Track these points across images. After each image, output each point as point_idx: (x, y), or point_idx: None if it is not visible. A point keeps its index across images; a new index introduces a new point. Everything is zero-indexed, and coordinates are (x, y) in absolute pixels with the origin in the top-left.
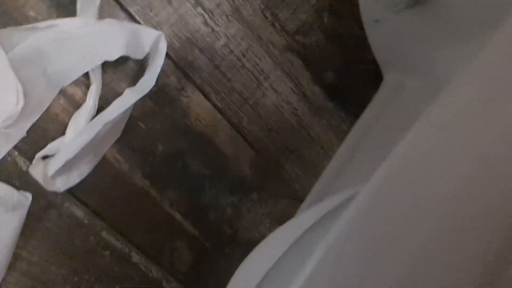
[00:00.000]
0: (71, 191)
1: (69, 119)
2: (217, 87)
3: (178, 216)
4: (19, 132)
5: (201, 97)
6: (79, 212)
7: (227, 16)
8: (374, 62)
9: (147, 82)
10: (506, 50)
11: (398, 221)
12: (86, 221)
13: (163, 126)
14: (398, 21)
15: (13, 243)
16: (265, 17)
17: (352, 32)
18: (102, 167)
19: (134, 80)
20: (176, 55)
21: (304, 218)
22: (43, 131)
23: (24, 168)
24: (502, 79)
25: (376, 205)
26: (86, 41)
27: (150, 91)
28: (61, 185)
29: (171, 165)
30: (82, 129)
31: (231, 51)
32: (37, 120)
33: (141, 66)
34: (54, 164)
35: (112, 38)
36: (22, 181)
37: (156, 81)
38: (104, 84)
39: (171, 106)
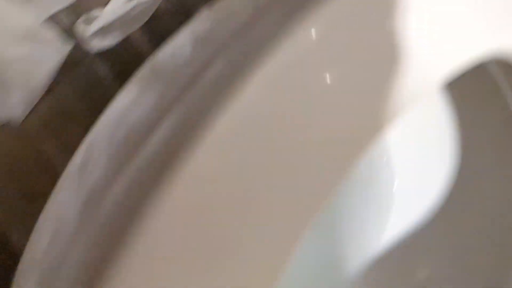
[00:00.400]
0: (100, 54)
1: None
2: None
3: None
4: None
5: None
6: (103, 72)
7: None
8: None
9: None
10: None
11: None
12: (106, 81)
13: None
14: None
15: (51, 74)
16: None
17: None
18: (126, 42)
19: None
20: None
21: None
22: (89, 2)
23: (69, 26)
24: None
25: None
26: None
27: None
28: (94, 45)
29: None
30: (120, 6)
31: None
32: None
33: None
34: (93, 27)
35: None
36: (66, 35)
37: None
38: None
39: (187, 16)
